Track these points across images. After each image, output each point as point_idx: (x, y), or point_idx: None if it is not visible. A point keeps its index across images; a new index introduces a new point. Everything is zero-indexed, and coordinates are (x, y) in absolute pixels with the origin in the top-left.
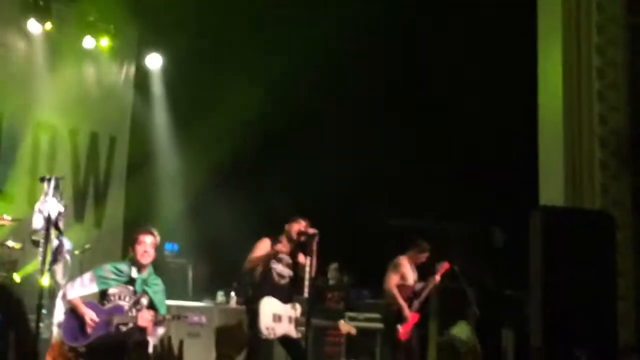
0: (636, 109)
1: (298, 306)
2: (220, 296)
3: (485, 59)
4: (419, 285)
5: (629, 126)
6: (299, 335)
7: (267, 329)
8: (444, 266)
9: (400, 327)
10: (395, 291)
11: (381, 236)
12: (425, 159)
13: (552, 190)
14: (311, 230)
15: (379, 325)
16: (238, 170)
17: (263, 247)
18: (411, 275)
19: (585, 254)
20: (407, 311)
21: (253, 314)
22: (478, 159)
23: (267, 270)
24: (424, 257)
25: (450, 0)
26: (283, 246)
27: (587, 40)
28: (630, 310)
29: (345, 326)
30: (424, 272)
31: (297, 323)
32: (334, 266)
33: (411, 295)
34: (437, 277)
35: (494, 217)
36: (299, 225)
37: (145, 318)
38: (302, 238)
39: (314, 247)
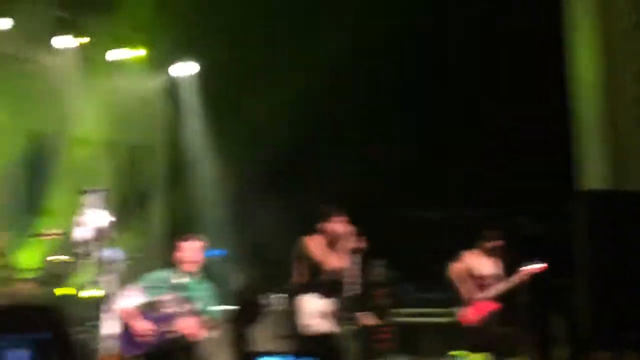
0: None
1: (341, 303)
2: (272, 298)
3: (514, 41)
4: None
5: None
6: (340, 331)
7: (311, 325)
8: (537, 266)
9: (459, 310)
10: (454, 276)
11: (424, 229)
12: (458, 148)
13: (593, 175)
14: (341, 229)
15: (426, 319)
16: (275, 173)
17: (317, 244)
18: (483, 267)
19: (634, 238)
20: (472, 294)
21: (296, 311)
22: (511, 148)
23: (314, 268)
24: (491, 243)
25: None
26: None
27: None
28: None
29: (366, 318)
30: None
31: (339, 319)
32: (380, 263)
33: (483, 284)
34: (527, 275)
35: (532, 206)
36: (338, 224)
37: (188, 325)
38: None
39: (357, 244)
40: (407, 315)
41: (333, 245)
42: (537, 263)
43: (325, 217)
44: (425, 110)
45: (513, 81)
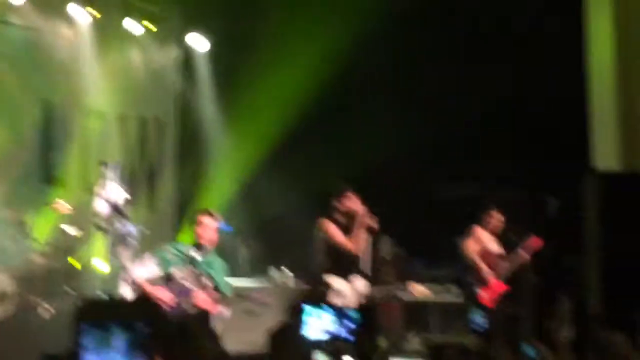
0: None
1: (358, 281)
2: (274, 273)
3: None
4: (503, 257)
5: None
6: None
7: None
8: (533, 242)
9: (480, 291)
10: (474, 255)
11: (432, 208)
12: (470, 126)
13: (605, 156)
14: (359, 207)
15: (435, 298)
16: (287, 149)
17: (334, 228)
18: (494, 246)
19: None
20: (488, 274)
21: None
22: (525, 124)
23: (333, 250)
24: (497, 221)
25: None
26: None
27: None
28: None
29: (417, 288)
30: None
31: (358, 297)
32: (387, 240)
33: (495, 264)
34: (525, 253)
35: (543, 183)
36: (350, 202)
37: (202, 298)
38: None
39: (367, 223)
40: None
41: (350, 224)
42: (533, 239)
43: (341, 194)
44: (436, 89)
45: (533, 69)
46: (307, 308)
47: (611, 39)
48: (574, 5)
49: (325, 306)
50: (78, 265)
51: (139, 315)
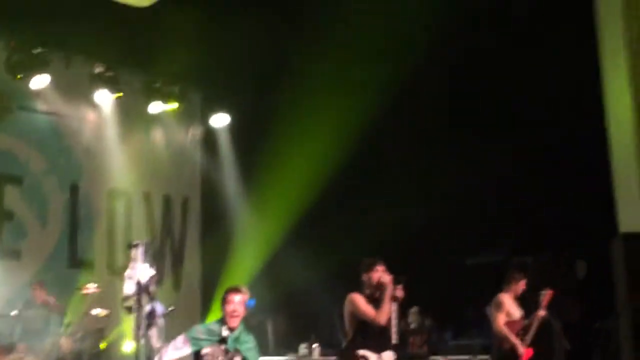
0: None
1: (388, 354)
2: (302, 349)
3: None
4: (526, 320)
5: None
6: None
7: None
8: (548, 294)
9: None
10: (506, 330)
11: (459, 276)
12: (494, 195)
13: (631, 217)
14: (387, 279)
15: None
16: (310, 222)
17: (362, 301)
18: (516, 311)
19: None
20: (521, 348)
21: None
22: (550, 190)
23: (361, 323)
24: (522, 286)
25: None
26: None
27: None
28: None
29: None
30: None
31: None
32: (414, 310)
33: (521, 331)
34: (543, 308)
35: (571, 248)
36: (377, 274)
37: None
38: (382, 287)
39: (394, 292)
40: None
41: (379, 296)
42: (548, 293)
43: (369, 267)
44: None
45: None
46: None
47: (629, 110)
48: (590, 69)
49: None
50: (103, 347)
51: None
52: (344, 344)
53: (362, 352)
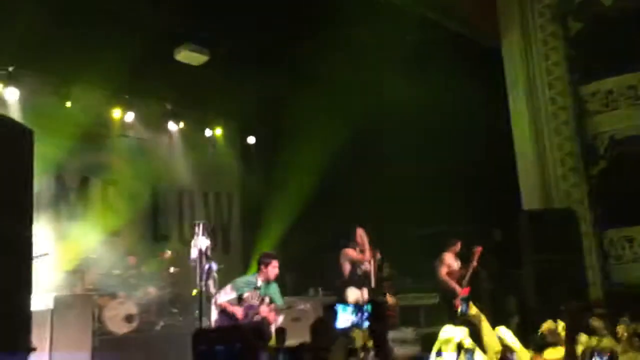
0: (583, 138)
1: (365, 290)
2: (311, 291)
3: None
4: (463, 270)
5: (579, 150)
6: None
7: None
8: (478, 250)
9: (455, 301)
10: (446, 277)
11: (414, 242)
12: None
13: (530, 199)
14: (365, 237)
15: (422, 301)
16: (316, 207)
17: (353, 251)
18: (455, 264)
19: (559, 240)
20: (458, 288)
21: (342, 298)
22: (475, 180)
23: (353, 269)
24: (458, 247)
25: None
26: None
27: (543, 93)
28: (596, 276)
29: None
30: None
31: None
32: (387, 264)
33: (459, 277)
34: (475, 260)
35: (491, 220)
36: (359, 236)
37: (264, 310)
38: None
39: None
40: (410, 299)
41: (361, 247)
42: (478, 249)
43: (354, 233)
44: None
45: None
46: (339, 307)
47: (529, 126)
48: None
49: (349, 305)
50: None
51: (234, 339)
52: (340, 285)
53: (351, 290)
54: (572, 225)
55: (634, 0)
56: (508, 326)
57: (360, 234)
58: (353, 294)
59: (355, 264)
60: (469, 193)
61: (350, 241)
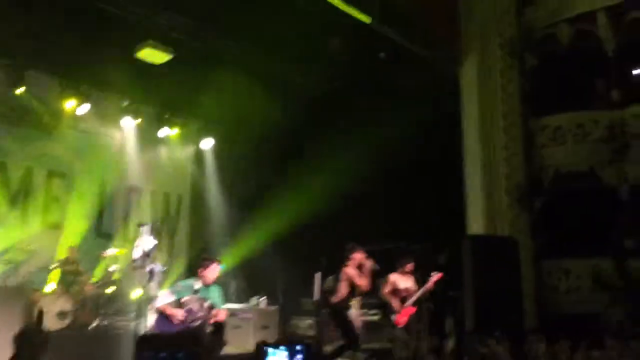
0: (530, 170)
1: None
2: (253, 300)
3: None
4: (414, 289)
5: (525, 181)
6: None
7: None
8: (438, 275)
9: (394, 317)
10: (387, 296)
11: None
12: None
13: (476, 224)
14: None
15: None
16: (263, 214)
17: (355, 275)
18: (402, 283)
19: (500, 266)
20: (396, 306)
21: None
22: (424, 203)
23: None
24: (409, 267)
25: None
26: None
27: (497, 123)
28: (532, 305)
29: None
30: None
31: None
32: (332, 277)
33: (405, 296)
34: (430, 283)
35: (436, 242)
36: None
37: (223, 314)
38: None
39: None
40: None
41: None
42: (435, 275)
43: (351, 251)
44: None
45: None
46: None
47: (479, 156)
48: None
49: (280, 347)
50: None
51: (179, 345)
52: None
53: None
54: (513, 253)
55: (590, 40)
56: (443, 347)
57: (361, 258)
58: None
59: (353, 285)
60: (418, 215)
61: (348, 260)
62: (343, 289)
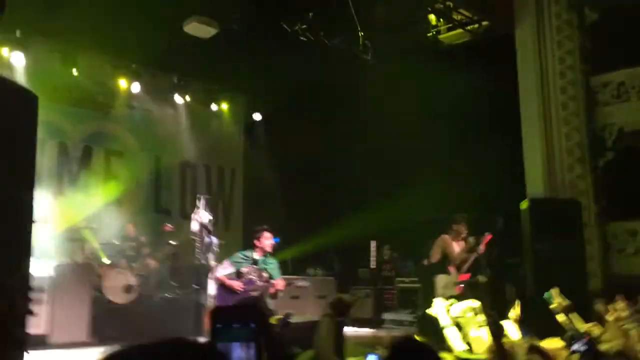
0: (590, 129)
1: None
2: (311, 271)
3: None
4: (465, 255)
5: (586, 140)
6: None
7: None
8: (487, 237)
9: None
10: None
11: (418, 227)
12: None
13: (535, 187)
14: None
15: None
16: (316, 186)
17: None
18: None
19: (561, 230)
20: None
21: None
22: (483, 168)
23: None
24: (462, 233)
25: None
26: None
27: (554, 82)
28: (597, 267)
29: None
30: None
31: None
32: (387, 247)
33: (460, 262)
34: (482, 247)
35: (493, 208)
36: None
37: (282, 284)
38: None
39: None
40: (408, 283)
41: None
42: (486, 236)
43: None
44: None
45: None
46: None
47: (538, 115)
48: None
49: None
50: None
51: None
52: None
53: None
54: (575, 215)
55: None
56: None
57: (463, 231)
58: (442, 280)
59: (446, 252)
60: (473, 180)
61: (451, 229)
62: (435, 254)
